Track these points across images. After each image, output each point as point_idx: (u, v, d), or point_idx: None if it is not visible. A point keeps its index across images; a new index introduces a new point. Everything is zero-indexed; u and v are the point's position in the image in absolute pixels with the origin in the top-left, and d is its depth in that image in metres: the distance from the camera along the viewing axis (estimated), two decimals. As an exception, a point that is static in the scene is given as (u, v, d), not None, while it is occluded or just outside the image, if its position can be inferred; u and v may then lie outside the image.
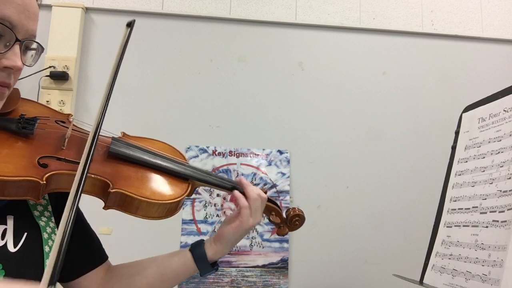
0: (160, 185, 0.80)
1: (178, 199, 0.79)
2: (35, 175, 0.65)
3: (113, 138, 0.82)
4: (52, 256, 0.52)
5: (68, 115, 0.82)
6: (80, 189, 0.61)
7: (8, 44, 0.65)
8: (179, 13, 1.87)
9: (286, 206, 1.76)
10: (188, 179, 0.84)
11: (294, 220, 0.97)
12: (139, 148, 0.83)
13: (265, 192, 0.92)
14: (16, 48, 0.66)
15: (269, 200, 0.94)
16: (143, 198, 0.75)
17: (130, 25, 0.80)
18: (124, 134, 0.87)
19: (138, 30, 1.83)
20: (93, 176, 0.72)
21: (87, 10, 1.82)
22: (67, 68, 1.72)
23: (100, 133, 0.74)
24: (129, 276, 0.87)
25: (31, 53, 0.72)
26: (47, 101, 1.70)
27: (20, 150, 0.68)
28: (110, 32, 1.83)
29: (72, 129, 0.77)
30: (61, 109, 1.70)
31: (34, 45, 0.71)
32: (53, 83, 1.71)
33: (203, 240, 0.90)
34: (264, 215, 0.96)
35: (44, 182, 0.65)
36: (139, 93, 1.80)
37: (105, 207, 0.75)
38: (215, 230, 1.70)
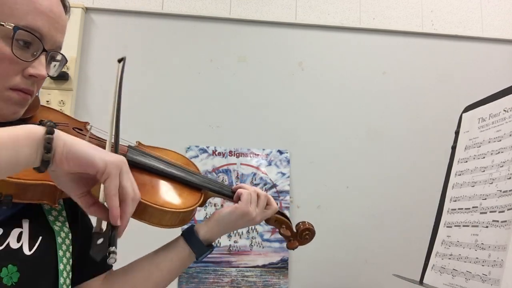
0: (174, 194, 0.82)
1: (191, 208, 0.81)
2: (52, 180, 0.66)
3: (129, 147, 0.84)
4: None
5: (85, 123, 0.84)
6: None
7: (35, 53, 0.68)
8: (179, 13, 1.87)
9: (286, 206, 1.76)
10: (201, 189, 0.86)
11: (304, 234, 0.98)
12: (154, 157, 0.85)
13: None
14: (42, 58, 0.69)
15: (280, 213, 0.97)
16: (157, 206, 0.76)
17: (121, 60, 0.80)
18: (139, 144, 0.89)
19: (138, 30, 1.85)
20: None
21: (87, 10, 1.82)
22: (67, 68, 1.72)
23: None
24: (124, 273, 0.88)
25: (55, 63, 0.75)
26: (47, 101, 1.70)
27: None
28: (110, 32, 1.83)
29: (89, 136, 0.79)
30: (61, 109, 1.70)
31: (59, 57, 0.75)
32: (53, 83, 1.71)
33: (193, 224, 0.91)
34: (275, 228, 0.98)
35: None
36: (139, 93, 1.80)
37: None
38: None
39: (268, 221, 0.96)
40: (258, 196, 0.90)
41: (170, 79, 1.83)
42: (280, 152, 1.82)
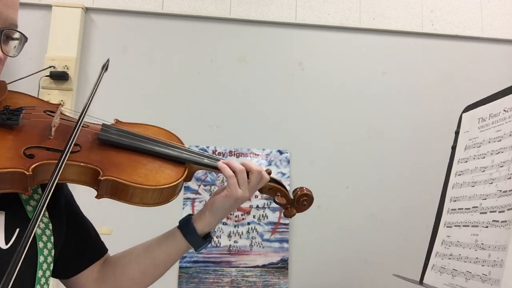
0: (154, 171, 0.77)
1: (174, 183, 0.76)
2: (21, 166, 0.63)
3: (103, 125, 0.80)
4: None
5: (58, 104, 0.80)
6: (55, 177, 0.59)
7: None
8: (179, 13, 1.86)
9: (286, 206, 1.76)
10: (184, 163, 0.81)
11: (302, 200, 0.89)
12: (131, 133, 0.81)
13: (269, 173, 0.87)
14: None
15: (273, 180, 0.89)
16: (136, 184, 0.72)
17: (104, 66, 0.78)
18: (117, 121, 0.85)
19: (138, 30, 1.85)
20: (82, 164, 0.70)
21: (87, 10, 1.82)
22: (67, 68, 1.72)
23: (92, 121, 0.74)
24: (122, 266, 0.86)
25: (14, 43, 0.70)
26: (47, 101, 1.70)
27: (6, 142, 0.66)
28: (110, 32, 1.83)
29: (61, 118, 0.75)
30: (61, 109, 1.70)
31: (17, 35, 0.69)
32: (53, 83, 1.71)
33: (190, 214, 0.86)
34: (269, 196, 0.91)
35: (31, 173, 0.63)
36: (139, 93, 1.80)
37: (98, 196, 0.72)
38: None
39: (261, 191, 0.88)
40: (248, 175, 0.82)
41: (170, 79, 1.83)
42: (280, 152, 1.82)
